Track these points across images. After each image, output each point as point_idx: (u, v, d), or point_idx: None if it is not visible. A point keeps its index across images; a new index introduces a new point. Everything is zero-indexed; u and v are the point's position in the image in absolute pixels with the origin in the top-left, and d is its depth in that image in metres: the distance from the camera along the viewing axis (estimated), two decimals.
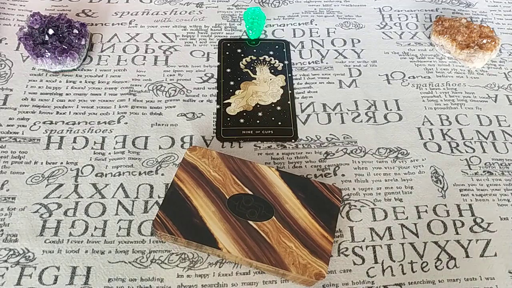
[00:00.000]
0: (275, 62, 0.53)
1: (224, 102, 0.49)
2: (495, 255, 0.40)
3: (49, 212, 0.40)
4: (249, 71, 0.52)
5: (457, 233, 0.41)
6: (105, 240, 0.39)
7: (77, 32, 0.50)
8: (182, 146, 0.45)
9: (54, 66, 0.49)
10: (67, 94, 0.48)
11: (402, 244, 0.41)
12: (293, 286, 0.38)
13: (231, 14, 0.58)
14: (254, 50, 0.54)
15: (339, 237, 0.41)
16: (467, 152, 0.47)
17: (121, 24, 0.55)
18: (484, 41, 0.53)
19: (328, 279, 0.39)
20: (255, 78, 0.51)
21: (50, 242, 0.39)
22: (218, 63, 0.52)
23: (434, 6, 0.61)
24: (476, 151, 0.47)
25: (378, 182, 0.44)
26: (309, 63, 0.53)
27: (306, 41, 0.55)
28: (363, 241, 0.41)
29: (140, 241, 0.39)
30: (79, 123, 0.46)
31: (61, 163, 0.43)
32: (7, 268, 0.37)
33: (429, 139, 0.48)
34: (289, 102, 0.49)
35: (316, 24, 0.57)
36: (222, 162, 0.41)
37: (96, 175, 0.43)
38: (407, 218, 0.42)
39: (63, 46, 0.48)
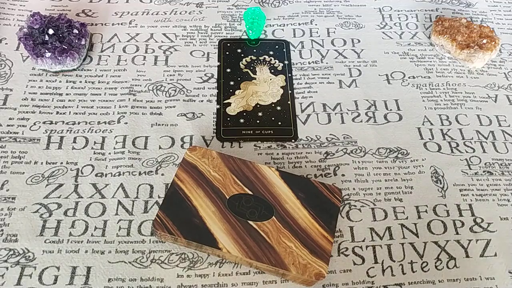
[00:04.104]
0: (275, 62, 0.53)
1: (224, 102, 0.49)
2: (495, 255, 0.40)
3: (49, 212, 0.40)
4: (249, 71, 0.52)
5: (457, 233, 0.41)
6: (105, 240, 0.39)
7: (77, 32, 0.50)
8: (182, 146, 0.45)
9: (54, 66, 0.49)
10: (67, 94, 0.48)
11: (402, 244, 0.41)
12: (293, 286, 0.38)
13: (231, 14, 0.58)
14: (254, 50, 0.54)
15: (339, 237, 0.41)
16: (467, 152, 0.47)
17: (121, 24, 0.55)
18: (484, 41, 0.53)
19: (328, 279, 0.39)
20: (255, 78, 0.51)
21: (50, 242, 0.39)
22: (218, 63, 0.52)
23: (434, 6, 0.61)
24: (476, 151, 0.47)
25: (378, 182, 0.44)
26: (309, 63, 0.53)
27: (306, 41, 0.55)
28: (363, 241, 0.41)
29: (140, 241, 0.39)
30: (79, 123, 0.46)
31: (61, 163, 0.43)
32: (7, 268, 0.37)
33: (429, 139, 0.48)
34: (289, 102, 0.49)
35: (316, 24, 0.57)
36: (222, 162, 0.41)
37: (96, 175, 0.43)
38: (407, 218, 0.42)
39: (63, 46, 0.48)
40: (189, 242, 0.37)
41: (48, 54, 0.47)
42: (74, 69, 0.50)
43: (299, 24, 0.57)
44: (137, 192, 0.42)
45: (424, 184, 0.44)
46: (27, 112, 0.46)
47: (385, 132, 0.48)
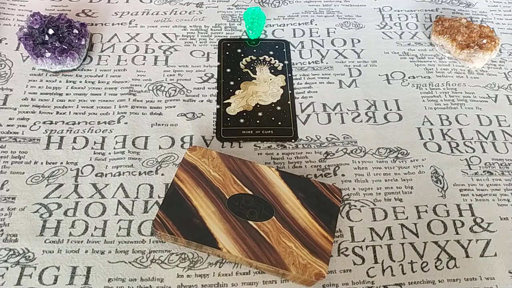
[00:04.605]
0: (275, 62, 0.53)
1: (224, 102, 0.49)
2: (495, 255, 0.40)
3: (49, 212, 0.40)
4: (249, 71, 0.52)
5: (457, 233, 0.41)
6: (105, 240, 0.39)
7: (77, 32, 0.50)
8: (182, 146, 0.45)
9: (54, 66, 0.49)
10: (67, 94, 0.48)
11: (402, 244, 0.41)
12: (293, 286, 0.38)
13: (231, 14, 0.58)
14: (254, 50, 0.54)
15: (339, 237, 0.41)
16: (467, 152, 0.47)
17: (121, 24, 0.55)
18: (484, 41, 0.53)
19: (328, 279, 0.39)
20: (255, 78, 0.51)
21: (50, 242, 0.39)
22: (218, 63, 0.52)
23: (434, 6, 0.61)
24: (476, 151, 0.47)
25: (378, 182, 0.44)
26: (309, 63, 0.53)
27: (306, 41, 0.55)
28: (363, 241, 0.41)
29: (140, 241, 0.39)
30: (79, 123, 0.46)
31: (61, 163, 0.43)
32: (7, 268, 0.37)
33: (429, 139, 0.48)
34: (289, 102, 0.49)
35: (316, 24, 0.57)
36: (222, 162, 0.41)
37: (96, 175, 0.43)
38: (407, 218, 0.42)
39: (63, 46, 0.48)
40: (189, 242, 0.37)
41: (48, 54, 0.47)
42: (74, 69, 0.50)
43: (299, 24, 0.57)
44: (137, 192, 0.42)
45: (424, 184, 0.44)
46: (27, 112, 0.46)
47: (385, 132, 0.48)
